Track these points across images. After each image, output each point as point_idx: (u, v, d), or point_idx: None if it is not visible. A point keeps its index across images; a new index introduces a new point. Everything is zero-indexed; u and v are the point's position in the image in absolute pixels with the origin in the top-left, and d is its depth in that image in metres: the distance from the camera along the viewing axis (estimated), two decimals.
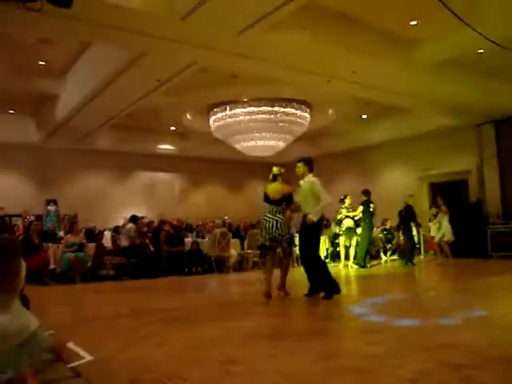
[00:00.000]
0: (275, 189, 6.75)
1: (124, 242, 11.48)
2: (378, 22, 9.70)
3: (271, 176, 7.00)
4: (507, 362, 3.09)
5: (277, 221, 6.50)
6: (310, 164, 6.97)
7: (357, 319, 4.94)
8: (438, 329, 4.21)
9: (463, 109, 13.90)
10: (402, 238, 13.66)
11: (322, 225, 6.98)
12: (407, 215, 12.60)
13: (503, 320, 4.53)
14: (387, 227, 15.35)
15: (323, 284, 6.49)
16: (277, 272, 6.78)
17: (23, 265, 3.27)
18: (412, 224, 12.88)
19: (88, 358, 3.53)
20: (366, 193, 12.10)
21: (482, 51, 10.98)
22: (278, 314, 5.62)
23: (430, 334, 4.01)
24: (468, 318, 4.60)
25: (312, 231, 6.63)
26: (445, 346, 3.53)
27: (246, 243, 13.56)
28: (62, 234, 12.90)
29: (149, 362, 3.41)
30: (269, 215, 6.58)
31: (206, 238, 13.10)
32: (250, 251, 13.11)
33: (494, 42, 9.48)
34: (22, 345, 3.05)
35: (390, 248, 15.14)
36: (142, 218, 14.32)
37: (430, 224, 13.26)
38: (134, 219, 12.06)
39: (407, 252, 12.52)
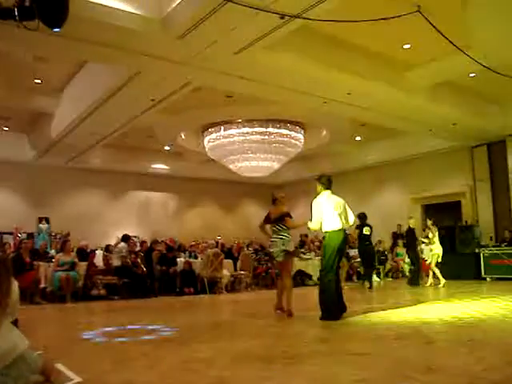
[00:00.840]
0: (275, 209, 7.17)
1: (116, 262, 11.40)
2: (372, 45, 9.84)
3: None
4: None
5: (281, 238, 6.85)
6: (321, 181, 6.87)
7: (355, 338, 4.89)
8: None
9: (456, 131, 14.04)
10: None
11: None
12: (411, 237, 12.56)
13: None
14: (380, 249, 15.38)
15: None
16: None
17: (15, 284, 3.22)
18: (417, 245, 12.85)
19: (76, 379, 3.46)
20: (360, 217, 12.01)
21: (474, 75, 11.14)
22: (271, 335, 5.56)
23: None
24: None
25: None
26: None
27: (238, 264, 13.49)
28: (53, 252, 12.78)
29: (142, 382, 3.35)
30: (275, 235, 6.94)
31: (199, 259, 13.03)
32: (242, 272, 13.04)
33: (485, 66, 9.62)
34: (10, 366, 2.98)
35: (383, 270, 15.17)
36: (134, 237, 14.25)
37: (423, 246, 13.23)
38: (125, 238, 11.99)
39: (414, 273, 12.46)
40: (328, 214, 6.49)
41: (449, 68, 10.51)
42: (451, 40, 8.41)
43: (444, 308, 7.51)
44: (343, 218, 6.54)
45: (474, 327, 5.51)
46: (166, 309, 9.28)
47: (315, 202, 6.66)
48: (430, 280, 12.14)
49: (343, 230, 6.53)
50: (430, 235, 12.26)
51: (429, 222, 12.67)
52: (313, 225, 6.60)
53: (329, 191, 6.76)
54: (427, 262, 12.51)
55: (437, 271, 12.01)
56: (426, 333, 5.24)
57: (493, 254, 13.34)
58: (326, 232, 6.52)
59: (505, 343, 4.52)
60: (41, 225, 16.09)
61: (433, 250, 12.14)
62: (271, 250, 6.97)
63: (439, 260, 12.05)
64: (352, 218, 6.78)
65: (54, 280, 10.18)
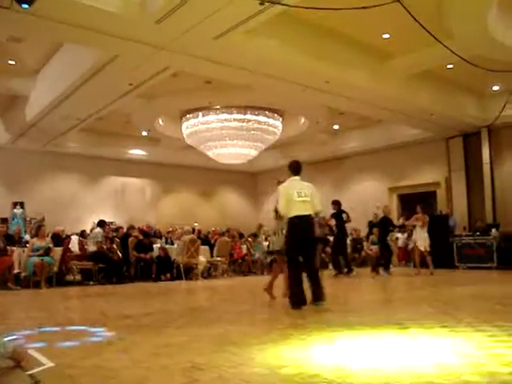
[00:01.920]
0: None
1: (91, 247, 11.30)
2: (352, 34, 9.86)
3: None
4: (470, 369, 3.12)
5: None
6: (288, 167, 6.76)
7: (315, 324, 4.94)
8: None
9: (433, 122, 14.19)
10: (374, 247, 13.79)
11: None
12: (385, 225, 12.56)
13: None
14: (355, 237, 15.53)
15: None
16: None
17: None
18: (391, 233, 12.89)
19: (49, 364, 3.43)
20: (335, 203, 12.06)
21: (451, 66, 11.25)
22: (247, 321, 5.59)
23: None
24: None
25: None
26: None
27: (215, 250, 13.50)
28: (27, 237, 12.61)
29: (112, 369, 3.33)
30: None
31: (175, 245, 13.00)
32: (219, 258, 13.05)
33: (462, 58, 9.71)
34: None
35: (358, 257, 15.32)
36: (111, 223, 14.14)
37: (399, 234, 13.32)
38: (101, 224, 11.89)
39: (385, 261, 12.53)
40: (292, 199, 6.31)
41: (427, 59, 10.59)
42: (430, 31, 8.46)
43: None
44: (309, 204, 6.37)
45: None
46: (142, 294, 9.24)
47: (281, 187, 6.56)
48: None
49: (308, 217, 6.36)
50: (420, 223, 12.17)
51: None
52: (280, 211, 6.45)
53: (297, 177, 6.59)
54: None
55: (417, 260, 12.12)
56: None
57: (466, 243, 13.57)
58: (289, 218, 6.34)
59: None
60: (15, 210, 15.81)
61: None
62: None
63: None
64: (320, 206, 6.59)
65: (28, 265, 10.04)
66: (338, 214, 12.02)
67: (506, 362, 3.22)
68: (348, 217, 12.04)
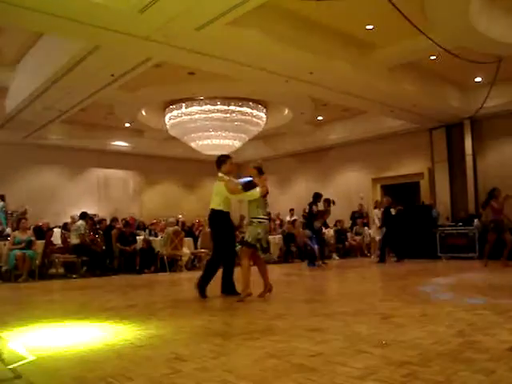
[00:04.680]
0: (266, 184, 6.49)
1: (74, 240, 11.18)
2: (336, 24, 9.85)
3: (263, 169, 6.61)
4: (450, 357, 3.16)
5: (268, 221, 6.64)
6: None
7: (307, 318, 4.96)
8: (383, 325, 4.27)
9: (416, 113, 14.27)
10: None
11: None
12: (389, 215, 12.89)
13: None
14: (339, 228, 15.64)
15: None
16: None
17: None
18: None
19: (30, 358, 3.40)
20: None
21: (434, 58, 11.31)
22: (228, 312, 5.60)
23: (376, 331, 4.06)
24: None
25: None
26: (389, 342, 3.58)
27: (199, 242, 13.48)
28: (9, 230, 12.46)
29: (95, 361, 3.32)
30: (262, 216, 6.35)
31: (159, 237, 12.95)
32: (202, 250, 13.03)
33: (445, 50, 9.77)
34: None
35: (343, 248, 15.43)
36: (94, 215, 14.03)
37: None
38: (83, 216, 11.75)
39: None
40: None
41: (410, 50, 10.63)
42: (413, 22, 8.49)
43: None
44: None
45: None
46: (125, 287, 9.20)
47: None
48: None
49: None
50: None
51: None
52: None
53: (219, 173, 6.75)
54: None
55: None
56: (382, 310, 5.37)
57: (448, 233, 13.71)
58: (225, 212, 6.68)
59: None
60: None
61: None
62: (259, 231, 6.30)
63: None
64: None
65: (10, 259, 9.94)
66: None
67: None
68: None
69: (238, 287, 6.52)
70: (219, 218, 6.63)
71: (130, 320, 4.96)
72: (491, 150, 14.94)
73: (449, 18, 9.07)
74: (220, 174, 6.68)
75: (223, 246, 6.64)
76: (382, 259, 12.67)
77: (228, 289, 6.67)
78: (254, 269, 6.44)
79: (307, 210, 12.56)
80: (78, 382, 2.90)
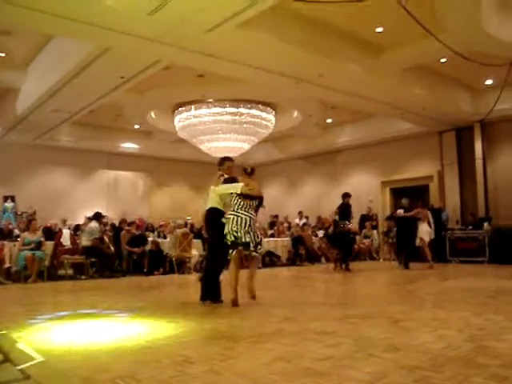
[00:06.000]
0: (255, 185, 6.35)
1: (85, 242, 11.12)
2: (346, 27, 9.81)
3: (249, 170, 6.62)
4: (461, 362, 3.12)
5: (250, 218, 6.12)
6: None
7: (316, 321, 4.93)
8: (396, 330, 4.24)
9: (426, 116, 14.19)
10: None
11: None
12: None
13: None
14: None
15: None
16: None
17: None
18: None
19: (39, 358, 3.40)
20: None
21: (445, 60, 11.25)
22: (237, 315, 5.58)
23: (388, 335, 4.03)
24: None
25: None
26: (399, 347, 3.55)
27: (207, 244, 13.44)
28: (17, 232, 12.53)
29: (102, 363, 3.32)
30: (241, 211, 6.11)
31: (168, 239, 12.95)
32: None
33: (455, 52, 9.71)
34: None
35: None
36: (103, 217, 14.06)
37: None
38: (97, 217, 11.65)
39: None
40: None
41: (420, 53, 10.55)
42: (423, 25, 8.44)
43: None
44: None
45: None
46: (134, 288, 9.21)
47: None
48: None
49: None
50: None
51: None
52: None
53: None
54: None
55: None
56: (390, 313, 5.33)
57: (458, 237, 13.62)
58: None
59: None
60: (6, 203, 15.72)
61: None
62: (231, 226, 6.08)
63: None
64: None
65: (19, 259, 9.97)
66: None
67: None
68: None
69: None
70: (216, 215, 6.42)
71: (138, 321, 4.96)
72: (502, 154, 14.82)
73: (459, 21, 8.99)
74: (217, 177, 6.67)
75: (217, 245, 6.35)
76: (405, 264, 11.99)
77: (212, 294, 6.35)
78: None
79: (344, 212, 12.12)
80: (87, 383, 2.90)
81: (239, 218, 6.06)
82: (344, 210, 11.83)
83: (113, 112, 15.17)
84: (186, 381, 2.89)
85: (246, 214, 6.11)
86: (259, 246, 6.25)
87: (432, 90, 12.74)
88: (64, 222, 14.19)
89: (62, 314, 5.63)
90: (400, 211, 12.19)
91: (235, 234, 6.02)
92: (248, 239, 6.06)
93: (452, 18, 8.90)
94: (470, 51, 10.06)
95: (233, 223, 6.05)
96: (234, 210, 6.14)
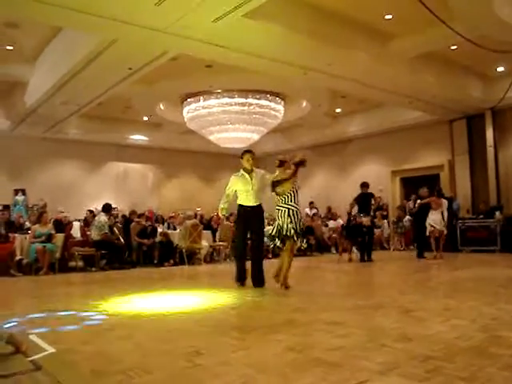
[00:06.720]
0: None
1: (95, 237, 11.09)
2: (354, 14, 9.70)
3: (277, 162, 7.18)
4: (474, 352, 3.09)
5: (298, 210, 6.68)
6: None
7: (327, 311, 4.91)
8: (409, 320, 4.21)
9: (436, 104, 14.05)
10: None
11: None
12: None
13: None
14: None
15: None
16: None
17: None
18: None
19: (50, 350, 3.41)
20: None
21: (455, 47, 11.11)
22: (248, 305, 5.57)
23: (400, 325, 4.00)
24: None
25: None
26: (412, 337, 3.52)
27: (217, 235, 13.48)
28: (28, 224, 12.59)
29: (113, 354, 3.32)
30: (291, 203, 6.61)
31: (178, 230, 12.98)
32: (221, 243, 13.04)
33: (466, 39, 9.58)
34: None
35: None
36: (113, 209, 14.09)
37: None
38: (107, 209, 11.60)
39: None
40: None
41: (430, 40, 10.43)
42: (433, 11, 8.33)
43: None
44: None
45: None
46: (145, 280, 9.24)
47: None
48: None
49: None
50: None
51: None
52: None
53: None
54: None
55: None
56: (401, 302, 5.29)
57: (469, 226, 13.51)
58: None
59: None
60: (17, 197, 15.82)
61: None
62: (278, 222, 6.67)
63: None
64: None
65: (31, 252, 10.04)
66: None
67: None
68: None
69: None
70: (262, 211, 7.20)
71: (149, 313, 4.96)
72: None
73: (471, 6, 8.85)
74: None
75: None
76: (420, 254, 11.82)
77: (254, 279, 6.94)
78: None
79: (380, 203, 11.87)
80: (98, 374, 2.89)
81: (290, 211, 6.58)
82: (362, 201, 11.60)
83: (121, 104, 15.17)
84: (197, 372, 2.88)
85: (295, 206, 6.62)
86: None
87: (442, 77, 12.59)
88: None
89: (73, 305, 5.65)
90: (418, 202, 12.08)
91: (291, 226, 6.51)
92: (290, 232, 6.54)
93: (463, 3, 8.77)
94: (482, 38, 9.92)
95: (288, 217, 6.54)
96: (285, 203, 6.61)
